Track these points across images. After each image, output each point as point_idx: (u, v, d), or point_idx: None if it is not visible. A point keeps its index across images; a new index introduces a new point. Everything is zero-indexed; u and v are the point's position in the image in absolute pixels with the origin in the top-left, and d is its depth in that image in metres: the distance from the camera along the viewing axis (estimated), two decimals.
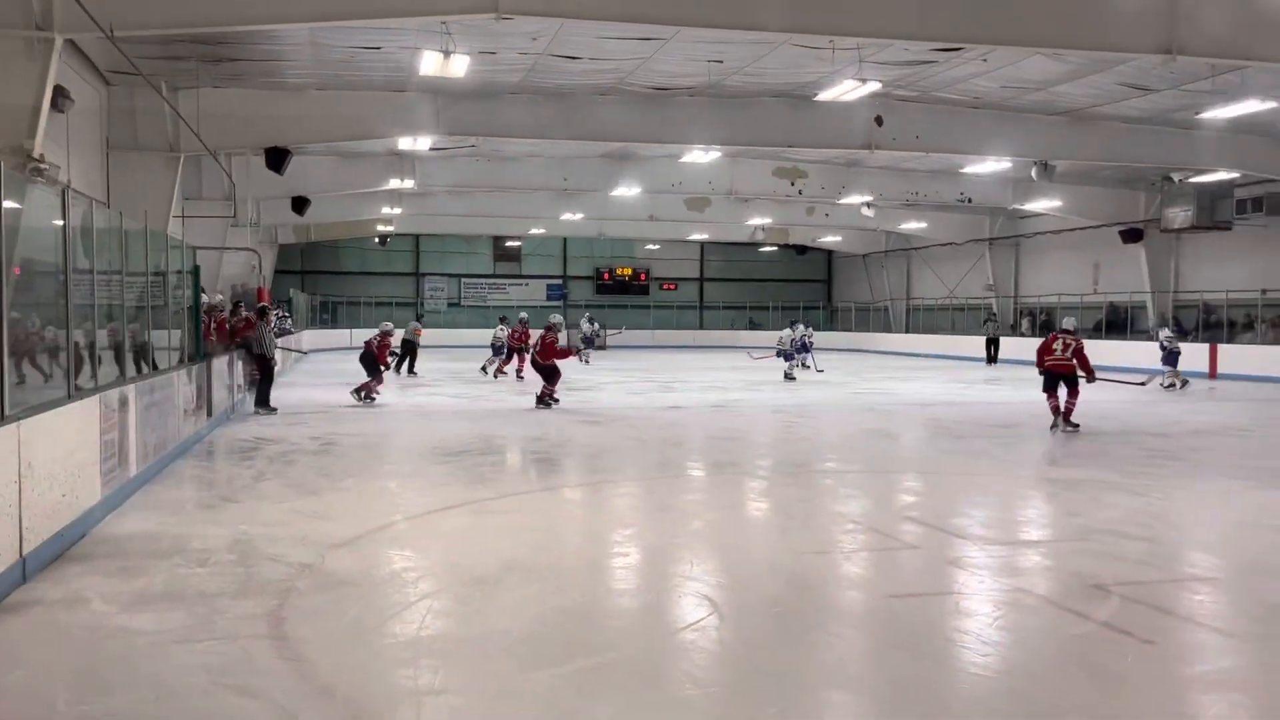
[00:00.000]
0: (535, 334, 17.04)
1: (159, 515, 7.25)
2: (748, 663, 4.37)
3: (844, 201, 26.82)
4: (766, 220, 33.07)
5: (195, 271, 12.74)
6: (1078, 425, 12.45)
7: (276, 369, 15.70)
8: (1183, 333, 23.75)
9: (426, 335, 25.50)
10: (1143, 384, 15.78)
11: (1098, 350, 15.21)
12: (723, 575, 5.85)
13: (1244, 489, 8.75)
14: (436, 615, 4.98)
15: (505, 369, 21.47)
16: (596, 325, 32.66)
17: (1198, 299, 26.17)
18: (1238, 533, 7.15)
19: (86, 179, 13.32)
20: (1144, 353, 22.81)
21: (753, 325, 43.33)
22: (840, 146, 19.60)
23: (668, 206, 30.12)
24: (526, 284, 43.30)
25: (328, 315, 39.48)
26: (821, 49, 13.91)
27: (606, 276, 43.99)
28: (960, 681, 4.21)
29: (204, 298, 13.70)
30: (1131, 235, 26.83)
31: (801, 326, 22.93)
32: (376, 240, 38.35)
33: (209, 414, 11.97)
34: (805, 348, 22.67)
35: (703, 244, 43.46)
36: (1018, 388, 20.41)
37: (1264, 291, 23.94)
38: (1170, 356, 19.72)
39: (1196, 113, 16.82)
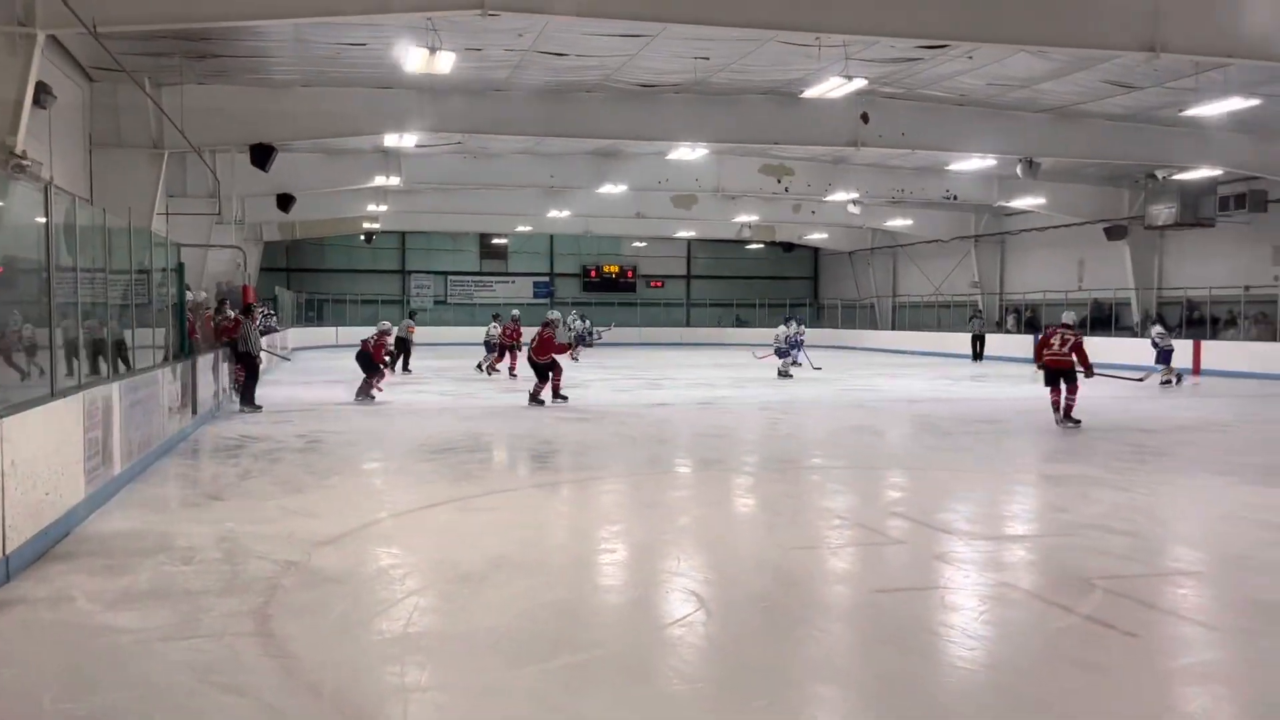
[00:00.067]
0: (528, 331, 17.01)
1: (143, 513, 7.22)
2: (735, 658, 4.38)
3: (830, 199, 26.84)
4: (753, 218, 33.09)
5: (180, 269, 12.67)
6: (1079, 421, 12.42)
7: (262, 367, 15.64)
8: (1167, 329, 23.89)
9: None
10: (1140, 380, 15.85)
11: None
12: (710, 571, 5.86)
13: (1227, 484, 8.81)
14: (423, 612, 4.97)
15: (498, 366, 21.55)
16: (588, 322, 32.69)
17: (1181, 296, 26.35)
18: (1221, 527, 7.20)
19: (69, 176, 13.21)
20: (1128, 349, 22.98)
21: (739, 323, 43.43)
22: (826, 144, 19.60)
23: (654, 204, 30.12)
24: (513, 281, 43.24)
25: (313, 313, 39.33)
26: (807, 46, 13.92)
27: (593, 274, 43.97)
28: (946, 675, 4.23)
29: (189, 295, 13.64)
30: (1116, 232, 26.98)
31: (795, 323, 22.94)
32: (362, 238, 38.26)
33: (194, 412, 11.91)
34: (797, 344, 22.69)
35: (689, 241, 43.51)
36: (1003, 384, 20.53)
37: (1247, 288, 24.13)
38: (1163, 354, 19.83)
39: (1180, 110, 16.90)
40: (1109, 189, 26.60)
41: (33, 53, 9.91)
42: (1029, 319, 31.39)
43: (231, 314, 15.43)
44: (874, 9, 11.24)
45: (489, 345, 22.11)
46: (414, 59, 12.37)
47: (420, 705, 3.84)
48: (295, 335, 32.81)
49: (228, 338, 14.75)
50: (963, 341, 30.89)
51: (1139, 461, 10.20)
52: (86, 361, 8.05)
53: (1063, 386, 12.55)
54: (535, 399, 15.10)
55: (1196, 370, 23.17)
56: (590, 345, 30.16)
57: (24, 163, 10.02)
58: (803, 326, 24.09)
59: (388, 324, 16.85)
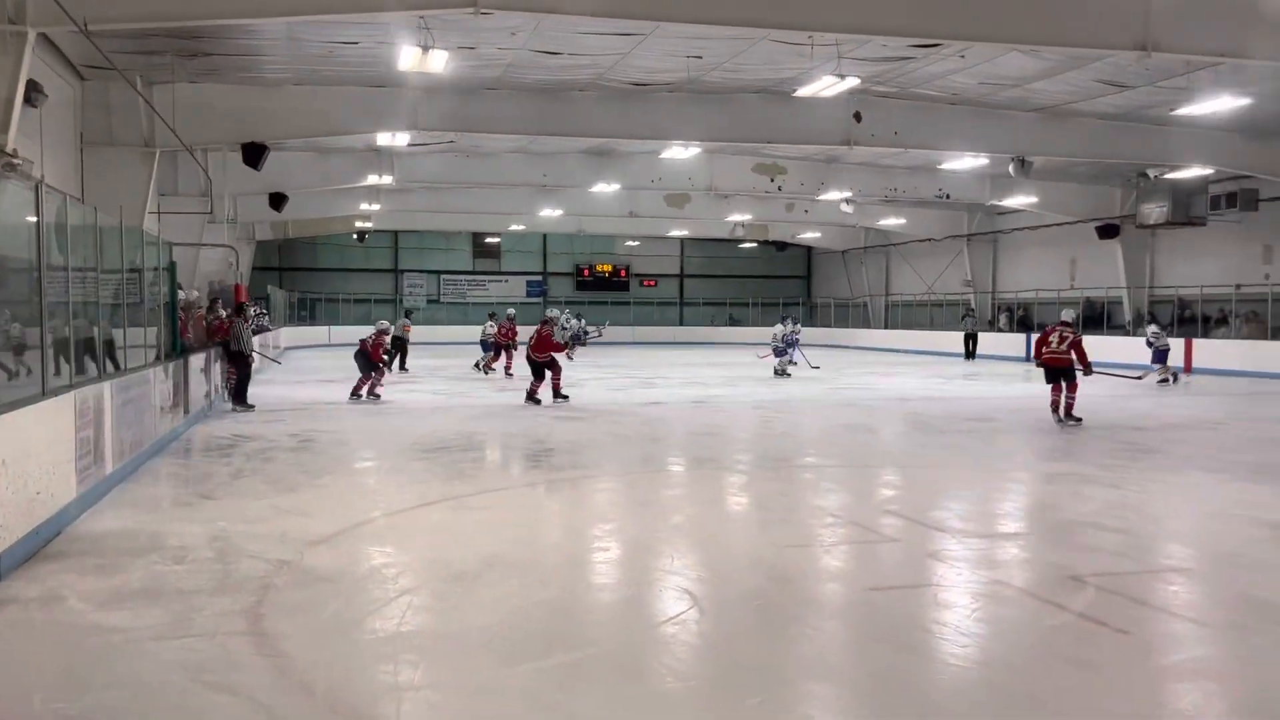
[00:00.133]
0: (524, 330, 16.96)
1: (135, 513, 7.20)
2: (728, 656, 4.39)
3: (823, 198, 26.88)
4: (746, 217, 33.11)
5: (171, 268, 12.64)
6: (1080, 419, 12.43)
7: (254, 367, 15.60)
8: (1162, 328, 23.96)
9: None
10: (1139, 378, 15.89)
11: None
12: (703, 569, 5.87)
13: (1218, 482, 8.85)
14: (416, 611, 4.97)
15: (494, 364, 21.57)
16: (583, 321, 32.67)
17: (1173, 294, 26.46)
18: (1212, 525, 7.23)
19: (60, 174, 13.18)
20: (1121, 347, 23.02)
21: (733, 322, 43.47)
22: (819, 143, 19.63)
23: (647, 203, 30.11)
24: (506, 280, 43.21)
25: (306, 312, 39.27)
26: (800, 45, 13.93)
27: (586, 273, 43.96)
28: (939, 673, 4.24)
29: (181, 294, 13.60)
30: (1107, 231, 27.04)
31: (790, 322, 22.96)
32: (355, 237, 38.20)
33: (186, 411, 11.88)
34: (793, 343, 22.70)
35: (683, 240, 43.50)
36: (996, 382, 20.57)
37: (1238, 286, 24.22)
38: (1159, 353, 19.89)
39: (1171, 109, 16.96)
40: (1101, 188, 26.67)
41: (24, 51, 9.87)
42: (1021, 318, 31.49)
43: (223, 313, 15.38)
44: (866, 8, 11.24)
45: (485, 344, 22.14)
46: (407, 57, 12.36)
47: (413, 704, 3.83)
48: (288, 334, 32.75)
49: (220, 337, 14.72)
50: (955, 340, 30.96)
51: (1131, 459, 10.23)
52: (72, 362, 8.02)
53: (1063, 385, 12.56)
54: (532, 398, 15.06)
55: (1188, 368, 23.25)
56: (584, 344, 30.18)
57: (15, 161, 9.98)
58: (798, 325, 24.13)
59: (386, 323, 16.83)
